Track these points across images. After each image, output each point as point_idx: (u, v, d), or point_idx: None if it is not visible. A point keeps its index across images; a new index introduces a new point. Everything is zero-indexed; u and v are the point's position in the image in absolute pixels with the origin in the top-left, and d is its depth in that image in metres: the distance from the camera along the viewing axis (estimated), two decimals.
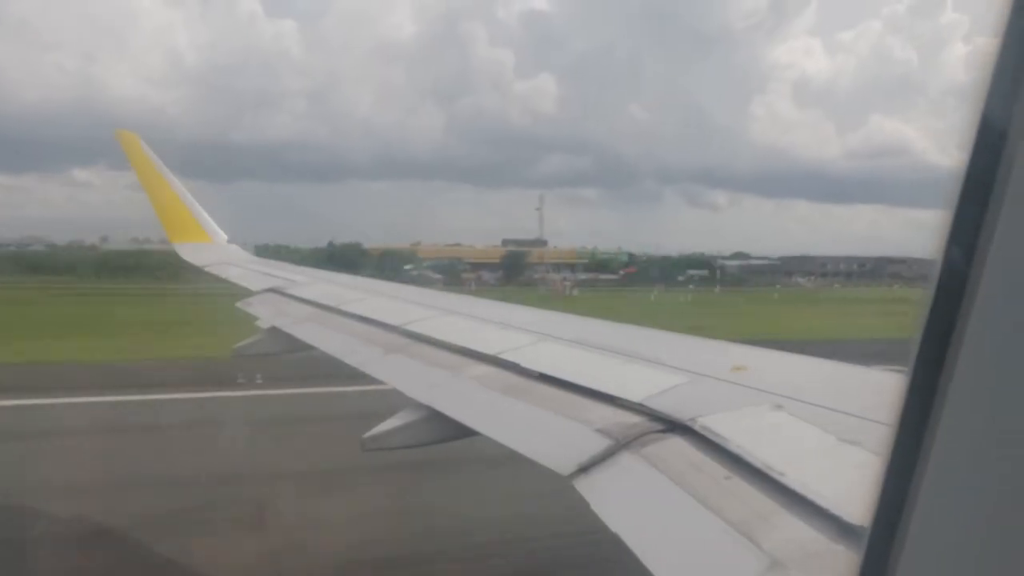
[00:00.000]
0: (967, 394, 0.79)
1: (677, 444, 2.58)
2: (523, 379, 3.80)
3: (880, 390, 2.70)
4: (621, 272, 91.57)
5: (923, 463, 0.82)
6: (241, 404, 16.36)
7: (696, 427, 2.60)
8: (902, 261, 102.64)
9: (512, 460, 2.96)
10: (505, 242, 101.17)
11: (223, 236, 12.48)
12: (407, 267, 72.40)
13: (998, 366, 0.77)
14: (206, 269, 10.86)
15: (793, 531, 1.91)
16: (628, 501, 2.42)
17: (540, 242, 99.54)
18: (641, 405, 2.95)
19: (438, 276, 66.44)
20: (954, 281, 0.79)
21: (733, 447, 2.36)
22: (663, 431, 2.70)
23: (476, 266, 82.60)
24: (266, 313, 7.49)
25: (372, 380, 4.73)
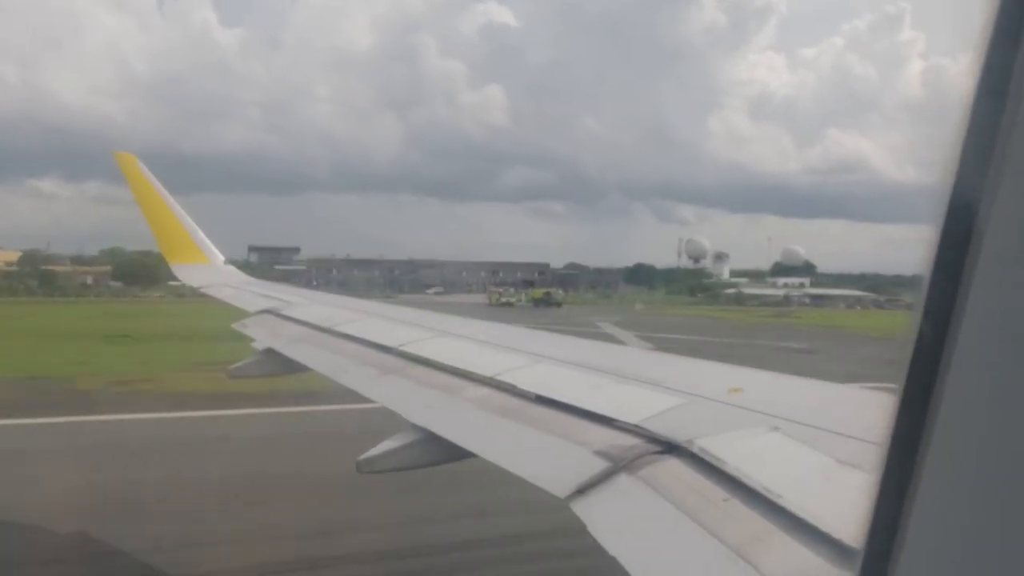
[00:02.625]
0: (958, 412, 0.79)
1: (675, 466, 2.57)
2: (520, 401, 3.79)
3: (876, 410, 2.70)
4: None
5: (915, 482, 0.82)
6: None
7: (694, 449, 2.59)
8: (431, 265, 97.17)
9: None
10: (251, 248, 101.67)
11: (220, 257, 12.48)
12: None
13: (988, 384, 0.78)
14: (203, 290, 10.85)
15: (792, 554, 1.90)
16: (626, 523, 2.40)
17: (293, 250, 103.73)
18: (638, 427, 2.94)
19: None
20: (943, 299, 0.79)
21: (731, 469, 2.35)
22: (660, 453, 2.69)
23: None
24: (261, 334, 7.48)
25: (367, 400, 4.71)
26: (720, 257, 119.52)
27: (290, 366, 6.51)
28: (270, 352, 6.87)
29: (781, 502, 2.08)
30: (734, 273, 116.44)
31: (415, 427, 3.93)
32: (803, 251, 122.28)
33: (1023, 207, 0.75)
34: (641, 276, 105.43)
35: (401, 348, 5.41)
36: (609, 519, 2.42)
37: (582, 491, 2.59)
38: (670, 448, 2.70)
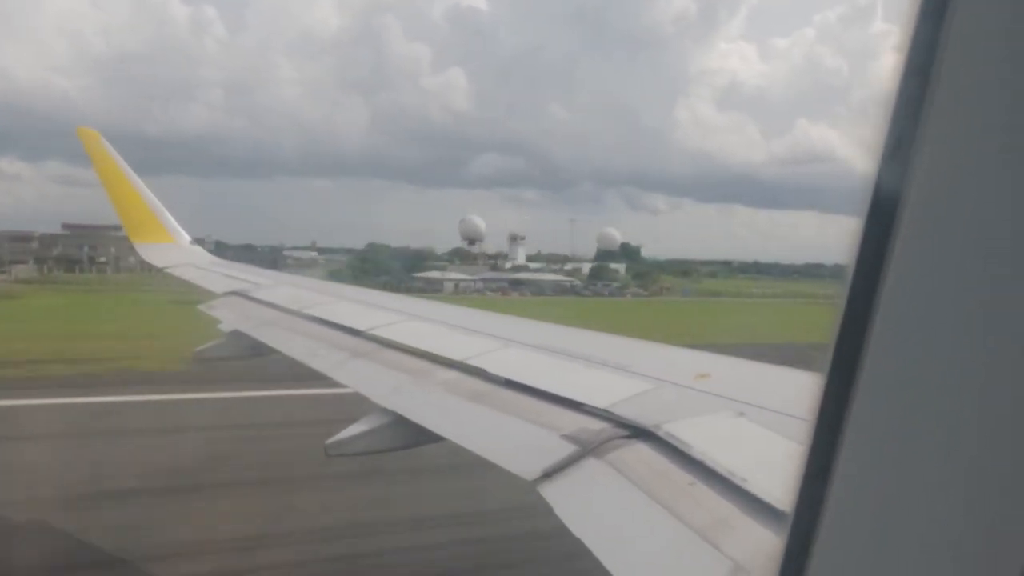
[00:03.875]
0: (876, 391, 0.84)
1: (642, 450, 2.60)
2: (489, 385, 3.79)
3: None
4: None
5: (837, 456, 0.87)
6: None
7: (660, 433, 2.61)
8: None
9: None
10: (65, 226, 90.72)
11: (186, 237, 12.24)
12: None
13: (903, 366, 0.83)
14: (168, 270, 10.64)
15: (755, 536, 1.93)
16: (593, 507, 2.42)
17: (114, 227, 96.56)
18: (606, 411, 2.96)
19: None
20: (865, 285, 0.83)
21: (697, 453, 2.39)
22: (628, 437, 2.72)
23: None
24: (229, 316, 7.36)
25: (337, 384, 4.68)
26: (515, 239, 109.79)
27: (258, 349, 6.42)
28: (237, 334, 6.78)
29: (745, 486, 2.11)
30: (535, 258, 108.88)
31: (384, 410, 3.92)
32: (619, 235, 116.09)
33: (939, 196, 0.78)
34: (369, 257, 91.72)
35: (371, 331, 5.38)
36: (576, 502, 2.44)
37: (549, 475, 2.60)
38: (637, 432, 2.72)
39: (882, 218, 0.81)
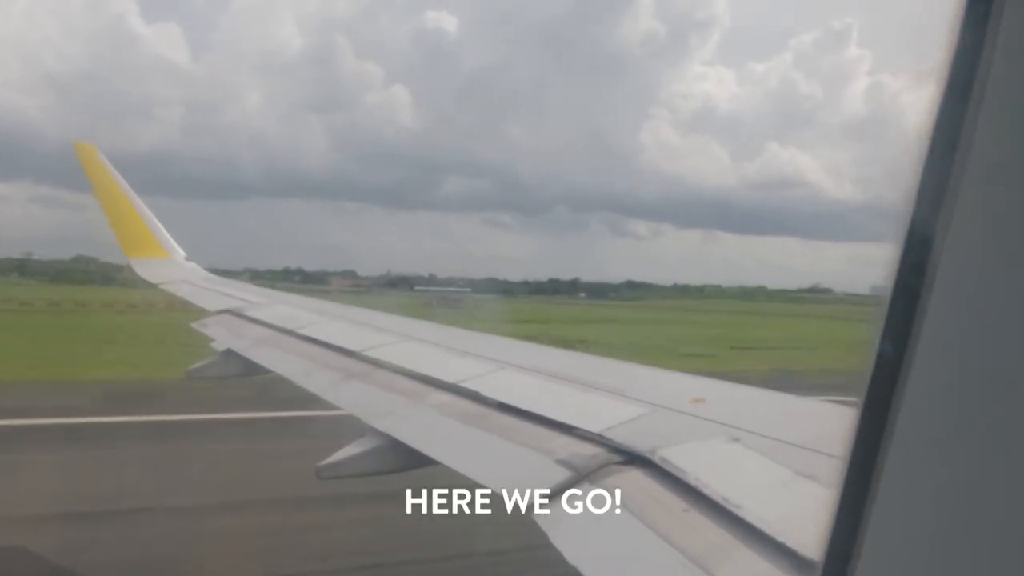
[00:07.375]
0: (915, 425, 0.81)
1: (636, 476, 2.59)
2: (484, 408, 3.78)
3: (835, 423, 2.75)
4: None
5: (872, 496, 0.84)
6: None
7: (655, 459, 2.61)
8: None
9: None
10: None
11: (181, 253, 12.21)
12: None
13: (945, 398, 0.79)
14: (161, 287, 10.60)
15: (749, 564, 1.92)
16: (587, 533, 2.41)
17: None
18: (601, 436, 2.96)
19: None
20: (903, 313, 0.81)
21: (691, 480, 2.38)
22: (623, 463, 2.71)
23: None
24: (221, 335, 7.32)
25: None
26: None
27: (251, 368, 6.39)
28: (230, 353, 6.74)
29: (740, 512, 2.10)
30: None
31: (378, 433, 3.89)
32: None
33: (979, 226, 0.77)
34: None
35: (365, 352, 5.36)
36: (570, 529, 2.43)
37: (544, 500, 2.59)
38: (632, 458, 2.72)
39: (921, 247, 0.78)
